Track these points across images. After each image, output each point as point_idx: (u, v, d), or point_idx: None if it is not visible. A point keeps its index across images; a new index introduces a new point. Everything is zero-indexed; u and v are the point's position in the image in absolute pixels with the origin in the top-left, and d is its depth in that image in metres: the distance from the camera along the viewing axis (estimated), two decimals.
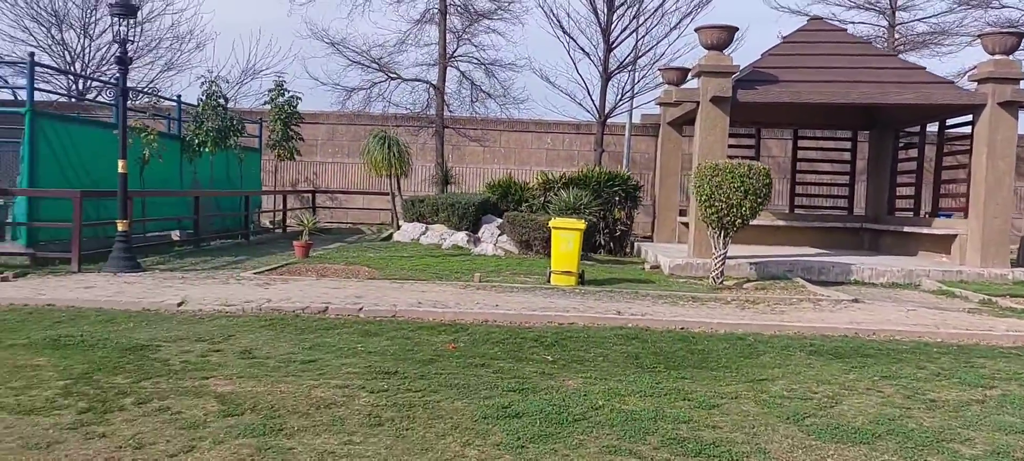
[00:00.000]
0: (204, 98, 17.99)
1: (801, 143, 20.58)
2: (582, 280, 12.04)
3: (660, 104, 19.80)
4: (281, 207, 23.07)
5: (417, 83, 23.24)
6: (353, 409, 5.18)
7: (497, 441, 4.66)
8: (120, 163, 12.04)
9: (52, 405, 5.05)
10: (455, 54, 23.10)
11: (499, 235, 18.04)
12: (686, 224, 19.31)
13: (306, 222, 16.07)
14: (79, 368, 5.93)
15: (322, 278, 11.84)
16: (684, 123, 18.96)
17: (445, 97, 22.92)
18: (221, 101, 18.17)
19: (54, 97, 28.19)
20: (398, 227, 19.68)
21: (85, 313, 8.23)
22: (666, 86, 19.80)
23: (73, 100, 26.84)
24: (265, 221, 23.42)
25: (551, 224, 12.40)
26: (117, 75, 12.33)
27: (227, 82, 26.61)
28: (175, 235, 17.07)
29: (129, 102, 17.12)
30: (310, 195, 24.81)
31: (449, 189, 22.82)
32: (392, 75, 22.91)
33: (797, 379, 6.33)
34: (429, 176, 24.29)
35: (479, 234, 17.94)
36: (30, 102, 12.84)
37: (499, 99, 23.55)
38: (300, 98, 22.17)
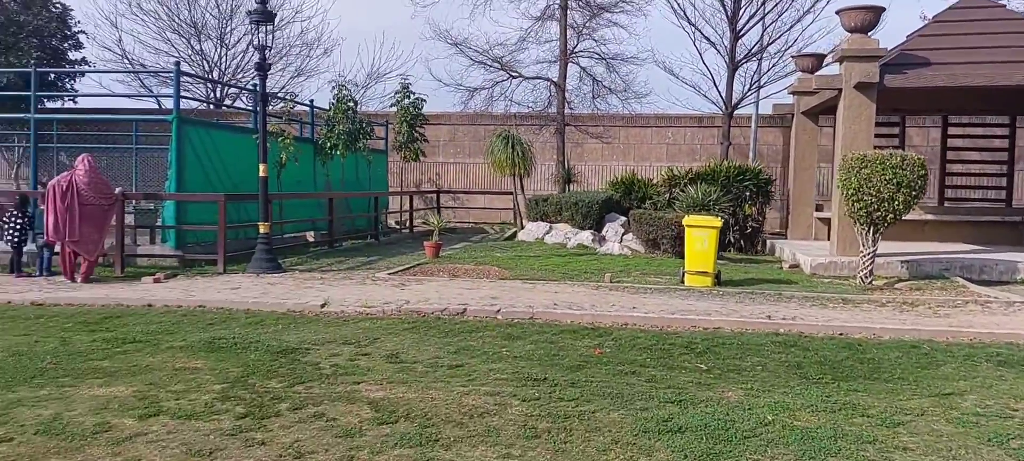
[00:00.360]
0: (335, 102, 18.46)
1: (951, 130, 19.08)
2: (718, 280, 11.51)
3: (794, 93, 18.81)
4: (407, 208, 23.44)
5: (538, 81, 23.08)
6: (507, 419, 4.99)
7: (662, 459, 4.35)
8: (261, 167, 12.45)
9: (211, 410, 5.12)
10: (576, 50, 22.78)
11: (624, 233, 17.63)
12: (824, 220, 18.27)
13: (436, 223, 16.19)
14: (235, 372, 6.03)
15: (454, 278, 11.83)
16: (821, 112, 17.92)
17: (565, 94, 22.65)
18: (351, 105, 18.59)
19: (194, 104, 29.84)
20: (522, 226, 19.58)
21: (235, 315, 8.47)
22: (800, 74, 18.81)
23: (211, 107, 28.30)
24: (391, 221, 23.89)
25: (684, 222, 11.92)
26: (255, 82, 12.76)
27: (357, 85, 27.43)
28: (310, 236, 17.62)
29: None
30: (435, 195, 25.12)
31: (569, 187, 22.58)
32: (513, 74, 22.85)
33: (989, 394, 5.69)
34: (550, 174, 24.11)
35: (603, 232, 17.60)
36: (177, 109, 13.47)
37: (620, 94, 23.07)
38: (424, 100, 22.43)
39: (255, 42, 12.22)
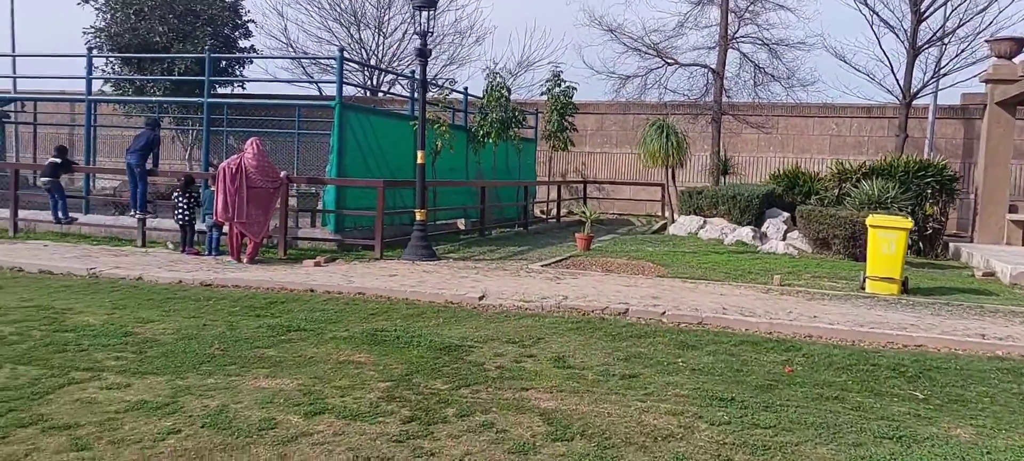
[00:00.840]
0: (488, 90, 18.31)
1: None
2: (905, 288, 10.36)
3: (987, 81, 16.90)
4: (555, 197, 23.11)
5: (695, 68, 22.04)
6: (695, 445, 4.43)
7: None
8: (419, 154, 12.38)
9: (376, 411, 4.86)
10: (736, 35, 21.57)
11: (786, 231, 16.46)
12: (1019, 223, 16.36)
13: (588, 214, 15.67)
14: (398, 369, 5.79)
15: (609, 273, 11.30)
16: (1020, 103, 16.00)
17: (724, 81, 21.50)
18: (504, 92, 18.38)
19: (351, 91, 30.74)
20: (672, 220, 18.74)
21: (395, 305, 8.32)
22: (994, 60, 16.88)
23: (367, 93, 29.08)
24: (536, 211, 23.63)
25: (868, 221, 10.80)
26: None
27: (510, 74, 27.33)
28: (461, 224, 17.60)
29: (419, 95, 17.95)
30: (581, 186, 24.63)
31: (725, 180, 21.44)
32: (669, 60, 21.92)
33: None
34: (703, 166, 23.03)
35: (764, 229, 16.50)
36: (339, 95, 13.65)
37: (784, 81, 21.64)
38: (575, 88, 21.97)
39: (416, 28, 12.13)
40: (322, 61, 27.62)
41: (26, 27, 33.24)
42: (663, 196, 22.82)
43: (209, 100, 14.45)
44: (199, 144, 25.45)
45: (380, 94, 27.83)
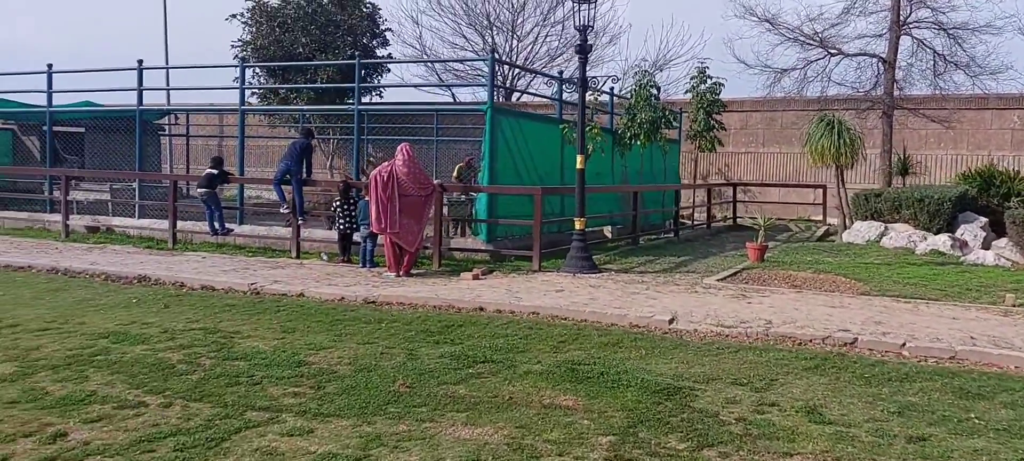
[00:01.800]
0: (636, 89, 17.22)
1: None
2: None
3: None
4: (701, 201, 21.70)
5: (862, 58, 20.08)
6: None
7: None
8: (578, 159, 11.48)
9: None
10: (908, 20, 19.48)
11: (986, 237, 14.50)
12: None
13: (761, 222, 14.29)
14: (616, 417, 4.84)
15: (798, 289, 9.98)
16: None
17: (895, 71, 19.46)
18: (653, 91, 17.24)
19: (483, 95, 30.34)
20: (845, 225, 16.99)
21: (583, 331, 7.35)
22: None
23: (501, 98, 28.60)
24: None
25: None
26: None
27: (655, 72, 26.09)
28: (607, 231, 16.57)
29: (565, 97, 17.10)
30: (729, 188, 23.09)
31: (903, 181, 19.43)
32: (832, 50, 20.07)
33: None
34: (871, 165, 20.96)
35: (959, 235, 14.58)
36: (491, 99, 12.96)
37: (968, 70, 19.32)
38: (723, 84, 20.56)
39: (575, 23, 11.23)
40: (470, 64, 27.33)
41: (176, 42, 34.80)
42: (825, 199, 20.97)
43: (359, 107, 14.07)
44: (339, 153, 25.68)
45: (515, 97, 27.17)
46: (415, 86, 25.48)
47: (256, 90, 23.58)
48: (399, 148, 11.43)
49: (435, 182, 11.87)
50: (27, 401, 5.04)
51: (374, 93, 27.82)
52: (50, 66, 16.28)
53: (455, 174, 14.96)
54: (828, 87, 20.55)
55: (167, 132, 24.24)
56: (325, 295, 9.06)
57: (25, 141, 21.72)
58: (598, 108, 18.00)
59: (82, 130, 20.04)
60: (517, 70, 25.95)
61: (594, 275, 10.97)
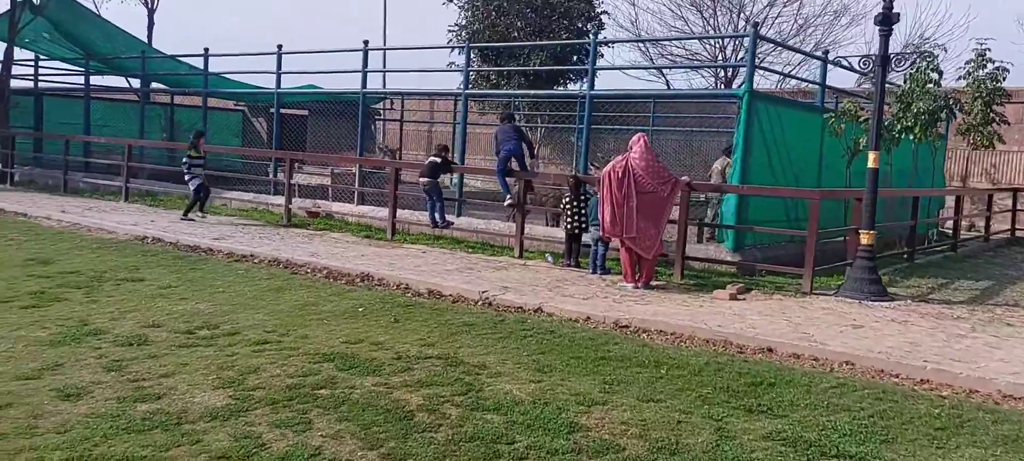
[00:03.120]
0: (911, 74, 14.42)
1: None
2: None
3: None
4: (975, 209, 18.32)
5: None
6: None
7: None
8: (871, 155, 9.29)
9: None
10: None
11: None
12: None
13: None
14: None
15: None
16: None
17: None
18: (934, 77, 14.36)
19: (701, 83, 28.07)
20: None
21: (954, 407, 5.17)
22: None
23: (722, 86, 26.20)
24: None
25: None
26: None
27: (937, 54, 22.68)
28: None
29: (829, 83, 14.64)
30: (1011, 194, 19.37)
31: None
32: None
33: None
34: None
35: None
36: (749, 82, 11.01)
37: None
38: (1008, 69, 17.18)
39: None
40: (689, 48, 25.28)
41: (391, 29, 35.30)
42: None
43: (592, 93, 12.59)
44: (544, 142, 24.53)
45: (763, 83, 24.48)
46: (658, 68, 23.62)
47: (469, 74, 22.90)
48: (635, 138, 9.79)
49: (683, 179, 10.13)
50: (239, 456, 3.95)
51: (584, 79, 26.48)
52: (280, 47, 16.22)
53: (719, 169, 13.05)
54: None
55: (382, 116, 24.22)
56: (567, 312, 7.63)
57: (254, 123, 22.42)
58: (865, 98, 15.32)
59: (305, 113, 20.23)
60: (777, 46, 23.03)
61: (885, 303, 8.78)
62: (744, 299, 8.89)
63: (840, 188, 12.56)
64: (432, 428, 4.39)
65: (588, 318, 7.49)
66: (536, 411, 4.67)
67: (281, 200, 14.29)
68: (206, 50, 17.80)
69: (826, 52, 13.57)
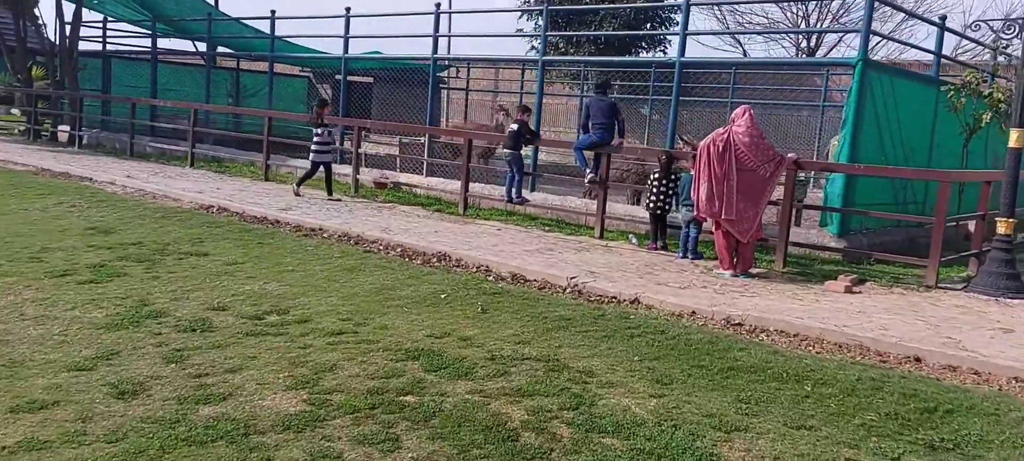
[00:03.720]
0: None
1: None
2: None
3: None
4: None
5: None
6: None
7: None
8: (1013, 134, 8.15)
9: None
10: None
11: None
12: None
13: None
14: None
15: None
16: None
17: None
18: None
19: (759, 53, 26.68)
20: None
21: None
22: None
23: (806, 57, 24.76)
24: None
25: None
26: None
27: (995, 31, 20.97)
28: (971, 227, 12.76)
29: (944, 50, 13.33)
30: None
31: None
32: None
33: None
34: None
35: None
36: (864, 49, 9.91)
37: None
38: None
39: None
40: (811, 5, 23.81)
41: None
42: None
43: (683, 58, 11.62)
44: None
45: (877, 49, 22.94)
46: (776, 32, 22.35)
47: (546, 39, 22.04)
48: (740, 111, 8.81)
49: (789, 156, 9.14)
50: None
51: (658, 48, 25.31)
52: (348, 9, 15.57)
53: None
54: None
55: (447, 84, 23.49)
56: (668, 305, 6.81)
57: (320, 89, 21.93)
58: (989, 71, 13.93)
59: (370, 80, 19.63)
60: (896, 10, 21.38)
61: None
62: (860, 291, 7.95)
63: (957, 169, 11.38)
64: (542, 454, 3.66)
65: (693, 312, 6.65)
66: (664, 436, 3.88)
67: (348, 169, 13.72)
68: (272, 12, 17.29)
69: (943, 17, 12.26)
